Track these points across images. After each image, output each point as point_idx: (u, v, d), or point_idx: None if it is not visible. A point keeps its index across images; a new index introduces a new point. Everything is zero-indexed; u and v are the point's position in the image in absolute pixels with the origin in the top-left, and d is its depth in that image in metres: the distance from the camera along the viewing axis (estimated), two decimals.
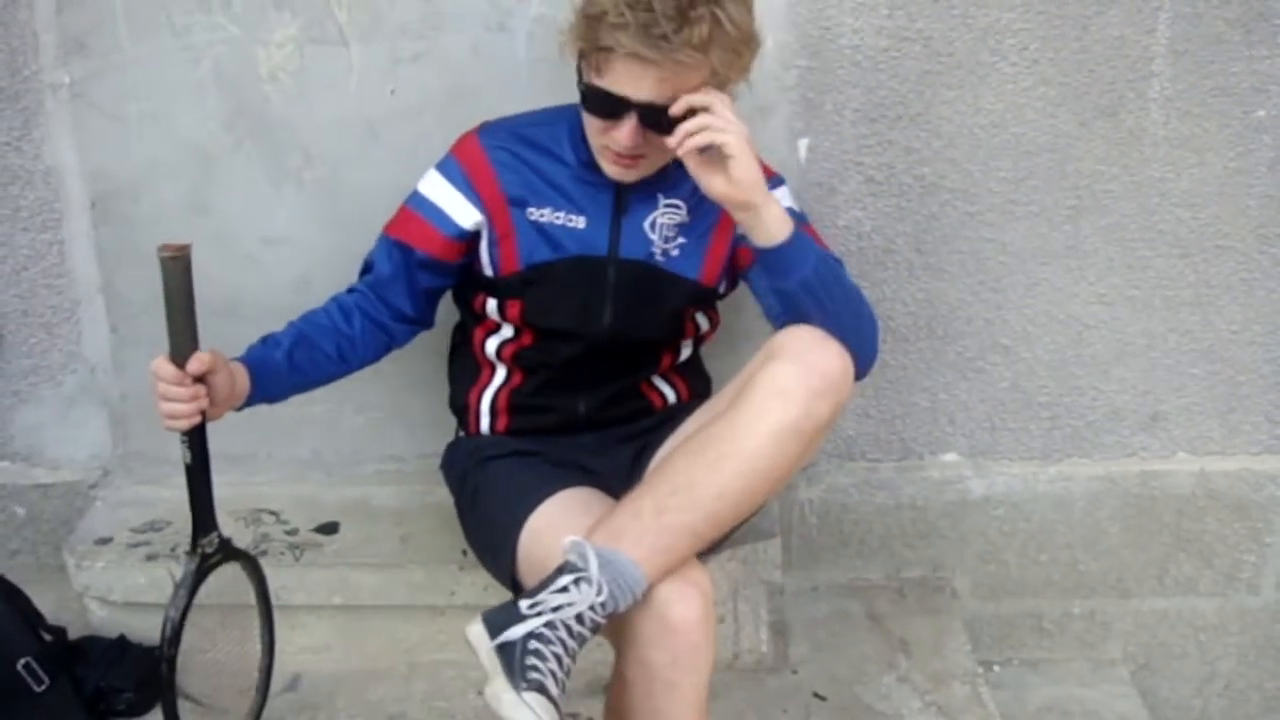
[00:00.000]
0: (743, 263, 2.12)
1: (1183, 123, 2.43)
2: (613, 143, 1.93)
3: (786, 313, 1.90)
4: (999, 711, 2.36)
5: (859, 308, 1.95)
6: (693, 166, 1.85)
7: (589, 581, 1.71)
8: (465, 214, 2.08)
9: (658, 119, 1.87)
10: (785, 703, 2.37)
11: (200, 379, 1.81)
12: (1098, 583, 2.76)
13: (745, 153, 1.81)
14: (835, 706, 2.37)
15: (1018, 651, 2.82)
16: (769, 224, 1.85)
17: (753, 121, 2.31)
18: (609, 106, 1.88)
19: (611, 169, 1.99)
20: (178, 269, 1.78)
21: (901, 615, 2.64)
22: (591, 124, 1.95)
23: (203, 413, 1.85)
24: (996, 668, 2.79)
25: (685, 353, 2.24)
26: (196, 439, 1.89)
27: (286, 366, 2.01)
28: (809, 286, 1.86)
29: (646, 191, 2.07)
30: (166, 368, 1.80)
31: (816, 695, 2.39)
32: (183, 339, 1.80)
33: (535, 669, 1.66)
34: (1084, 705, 2.72)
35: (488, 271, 2.11)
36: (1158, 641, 2.83)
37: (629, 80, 1.84)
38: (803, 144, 2.44)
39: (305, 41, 2.35)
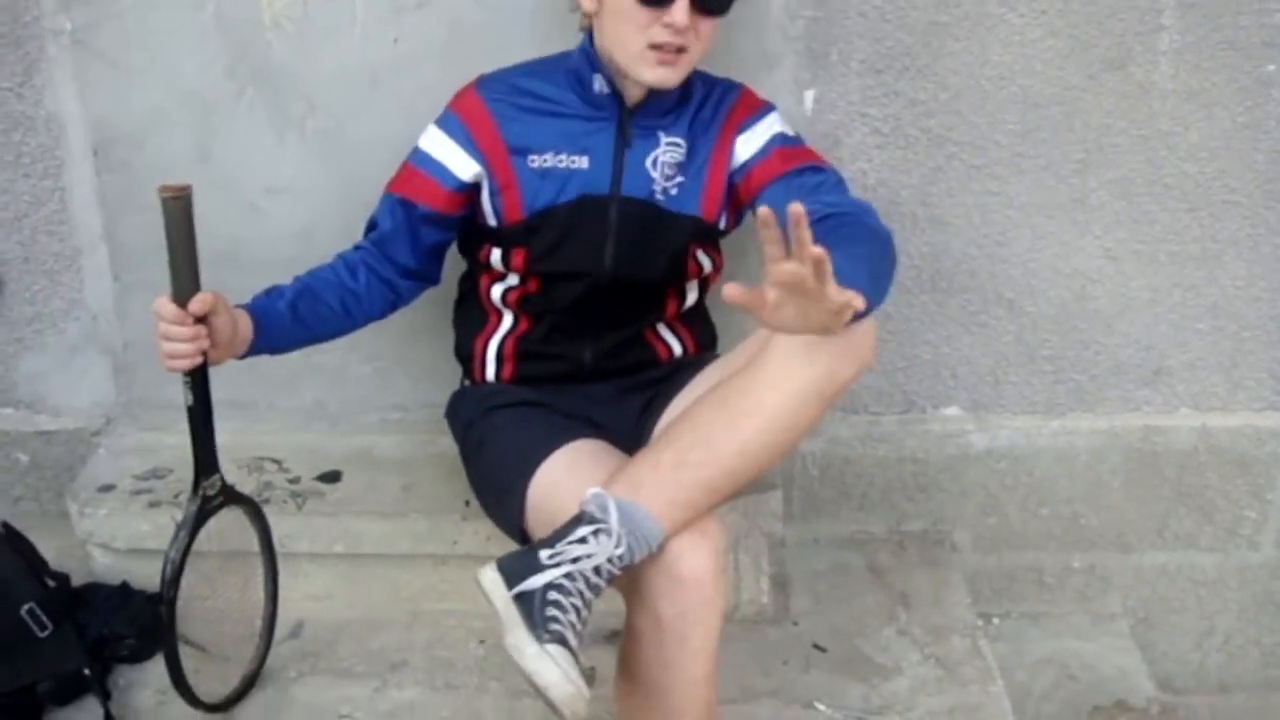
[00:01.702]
0: (745, 195, 2.12)
1: (1191, 76, 2.42)
2: (660, 33, 1.91)
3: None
4: (998, 664, 2.37)
5: (892, 271, 1.88)
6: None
7: (609, 533, 1.71)
8: (465, 167, 2.08)
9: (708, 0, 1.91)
10: (786, 654, 2.38)
11: (201, 320, 1.83)
12: (1098, 537, 2.77)
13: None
14: (835, 658, 2.38)
15: (1017, 605, 2.83)
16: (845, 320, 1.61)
17: (759, 72, 2.32)
18: None
19: (655, 71, 1.96)
20: (178, 209, 1.79)
21: (902, 568, 2.65)
22: (637, 19, 1.92)
23: (204, 355, 1.86)
24: (996, 620, 2.80)
25: (690, 297, 2.23)
26: (198, 381, 1.90)
27: (289, 317, 2.01)
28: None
29: (648, 127, 2.08)
30: (168, 307, 1.81)
31: (817, 647, 2.40)
32: (184, 279, 1.81)
33: (556, 620, 1.67)
34: (1083, 659, 2.73)
35: (491, 221, 2.11)
36: (1157, 596, 2.84)
37: None
38: (809, 95, 2.43)
39: None
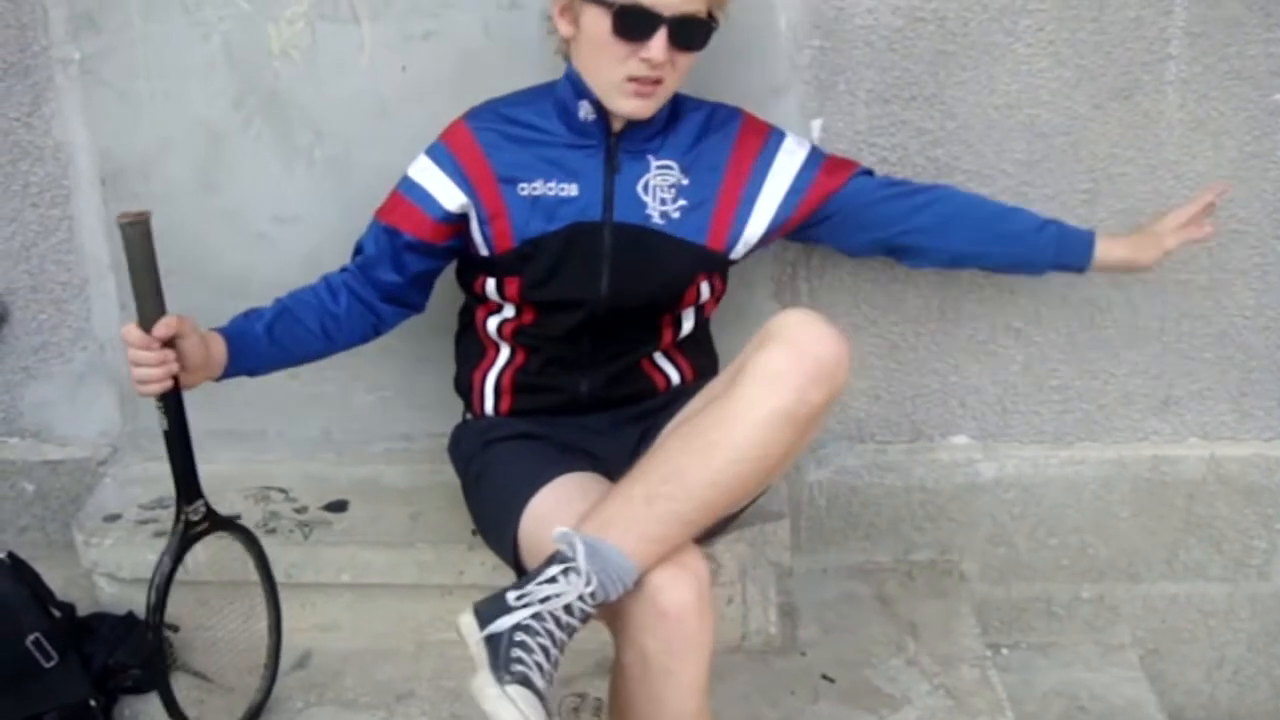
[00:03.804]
0: (808, 211, 2.18)
1: (1199, 106, 2.42)
2: (638, 68, 1.95)
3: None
4: (1007, 695, 2.35)
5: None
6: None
7: (578, 572, 1.70)
8: (450, 197, 2.09)
9: (685, 33, 1.94)
10: (793, 684, 2.37)
11: (170, 344, 1.83)
12: (1107, 567, 2.76)
13: None
14: (843, 689, 2.36)
15: (1026, 635, 2.82)
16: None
17: (766, 102, 2.32)
18: (642, 24, 1.91)
19: (631, 103, 2.00)
20: (137, 234, 1.80)
21: (910, 598, 2.64)
22: (615, 52, 1.95)
23: (175, 379, 1.86)
24: (1005, 651, 2.78)
25: (686, 325, 2.23)
26: (171, 405, 1.91)
27: (265, 339, 2.03)
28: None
29: (636, 151, 2.10)
30: (134, 333, 1.82)
31: (825, 677, 2.39)
32: (148, 304, 1.83)
33: (520, 661, 1.66)
34: (1092, 690, 2.71)
35: (483, 251, 2.12)
36: (1167, 626, 2.83)
37: None
38: (816, 124, 2.43)
39: (316, 18, 2.35)
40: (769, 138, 2.16)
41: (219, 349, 1.94)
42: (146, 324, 1.82)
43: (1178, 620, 2.83)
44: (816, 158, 2.19)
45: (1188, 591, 2.79)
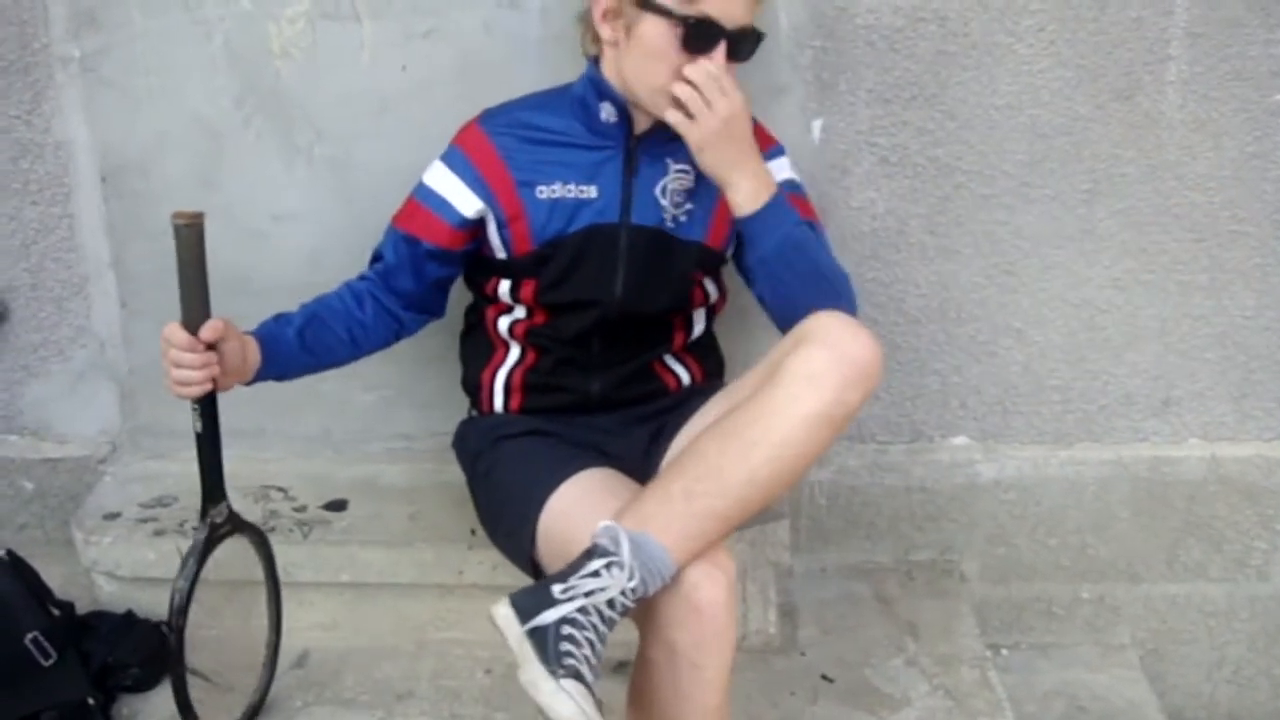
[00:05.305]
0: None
1: (1199, 106, 2.42)
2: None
3: (762, 283, 2.04)
4: (1007, 695, 2.35)
5: (821, 284, 2.00)
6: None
7: (621, 566, 1.69)
8: (468, 203, 2.08)
9: (741, 46, 1.95)
10: (793, 685, 2.37)
11: (211, 347, 1.83)
12: (1107, 567, 2.76)
13: (709, 144, 1.95)
14: (843, 689, 2.36)
15: (1026, 635, 2.82)
16: (739, 199, 1.98)
17: (767, 102, 2.32)
18: (709, 37, 1.91)
19: (677, 112, 1.98)
20: (191, 236, 1.80)
21: (910, 598, 2.63)
22: (673, 61, 1.93)
23: (213, 381, 1.85)
24: (1005, 651, 2.78)
25: (698, 328, 2.24)
26: (207, 408, 1.90)
27: (297, 344, 2.02)
28: (770, 260, 1.99)
29: (656, 154, 2.08)
30: (179, 334, 1.81)
31: (824, 677, 2.39)
32: (195, 306, 1.82)
33: (570, 655, 1.65)
34: (1092, 690, 2.71)
35: (500, 254, 2.11)
36: (1167, 627, 2.83)
37: (726, 4, 1.91)
38: (817, 124, 2.43)
39: (317, 17, 2.34)
40: (770, 149, 2.15)
41: (254, 354, 1.93)
42: (191, 326, 1.81)
43: (1178, 621, 2.82)
44: (788, 186, 2.10)
45: (1188, 592, 2.79)
